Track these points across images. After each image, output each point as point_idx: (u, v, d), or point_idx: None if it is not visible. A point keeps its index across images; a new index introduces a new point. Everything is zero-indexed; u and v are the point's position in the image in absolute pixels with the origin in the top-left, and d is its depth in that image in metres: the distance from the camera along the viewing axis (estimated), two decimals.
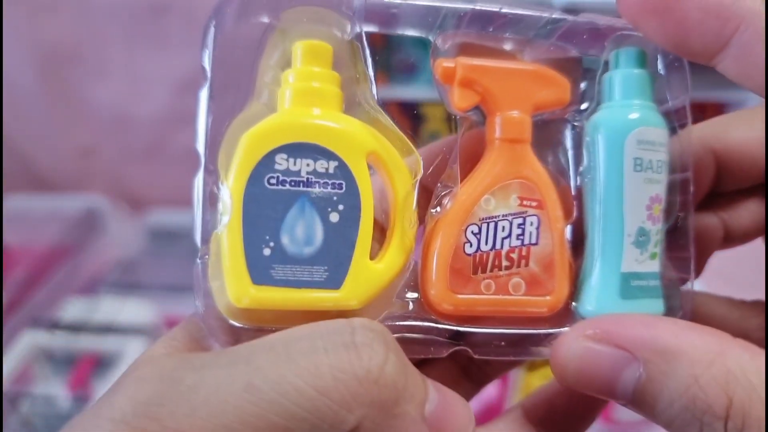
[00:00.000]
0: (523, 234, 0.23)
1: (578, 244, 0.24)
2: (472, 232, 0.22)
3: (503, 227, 0.22)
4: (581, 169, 0.24)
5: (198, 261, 0.21)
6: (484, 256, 0.22)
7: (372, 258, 0.22)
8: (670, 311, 0.24)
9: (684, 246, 0.24)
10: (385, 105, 0.23)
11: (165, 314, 0.80)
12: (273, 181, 0.21)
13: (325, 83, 0.22)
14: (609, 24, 0.24)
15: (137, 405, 0.17)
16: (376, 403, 0.17)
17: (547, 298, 0.23)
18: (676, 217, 0.24)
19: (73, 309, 0.84)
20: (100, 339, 0.78)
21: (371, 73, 0.23)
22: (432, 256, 0.22)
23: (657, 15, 0.20)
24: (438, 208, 0.23)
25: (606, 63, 0.24)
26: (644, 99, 0.23)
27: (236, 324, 0.21)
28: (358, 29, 0.23)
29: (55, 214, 1.01)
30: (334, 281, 0.21)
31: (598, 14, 0.23)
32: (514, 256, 0.22)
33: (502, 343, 0.23)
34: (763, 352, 0.17)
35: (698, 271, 0.26)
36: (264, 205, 0.20)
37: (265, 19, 0.22)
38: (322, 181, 0.21)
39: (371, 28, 0.23)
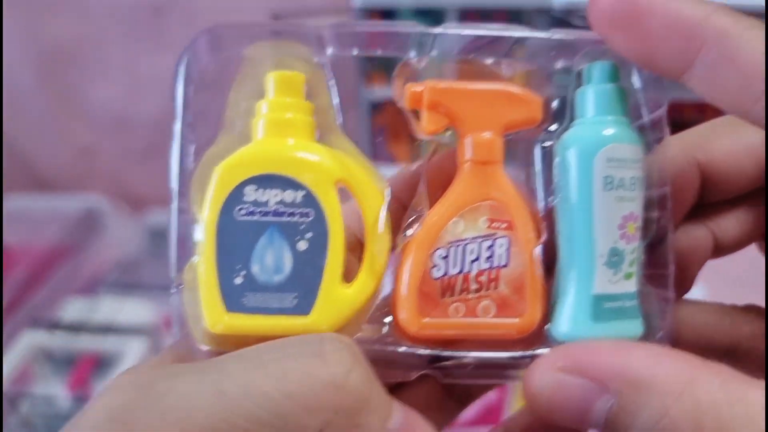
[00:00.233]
0: (492, 256, 0.22)
1: (553, 265, 0.24)
2: (440, 256, 0.22)
3: (472, 250, 0.22)
4: (553, 188, 0.24)
5: (173, 290, 0.22)
6: (453, 280, 0.22)
7: (350, 282, 0.22)
8: (649, 331, 0.24)
9: (666, 263, 0.24)
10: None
11: (165, 314, 0.80)
12: (243, 212, 0.22)
13: (298, 113, 0.23)
14: (580, 38, 0.23)
15: (110, 411, 0.18)
16: (340, 409, 0.18)
17: (517, 320, 0.23)
18: (654, 234, 0.24)
19: (73, 309, 0.84)
20: (100, 339, 0.78)
21: (336, 101, 0.24)
22: (401, 281, 0.23)
23: (624, 30, 0.20)
24: (408, 233, 0.23)
25: (579, 78, 0.24)
26: (617, 114, 0.23)
27: (211, 349, 0.22)
28: (322, 59, 0.24)
29: (55, 214, 1.01)
30: (304, 307, 0.21)
31: (570, 29, 0.23)
32: (483, 278, 0.22)
33: (473, 366, 0.23)
34: (736, 376, 0.17)
35: (688, 285, 0.26)
36: (235, 236, 0.21)
37: (236, 53, 0.23)
38: (289, 211, 0.22)
39: (341, 53, 0.24)
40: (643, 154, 0.23)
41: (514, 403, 0.67)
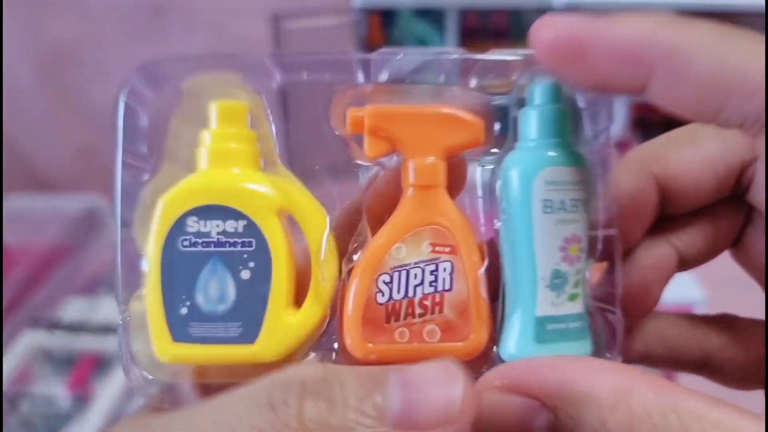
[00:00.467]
0: (436, 281, 0.22)
1: (500, 288, 0.24)
2: (383, 281, 0.22)
3: (415, 275, 0.22)
4: (497, 212, 0.24)
5: (119, 321, 0.22)
6: (397, 305, 0.22)
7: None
8: (598, 352, 0.24)
9: (614, 282, 0.24)
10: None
11: None
12: (186, 243, 0.22)
13: (241, 143, 0.23)
14: (519, 59, 0.23)
15: None
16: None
17: (462, 344, 0.23)
18: (601, 254, 0.24)
19: (73, 309, 0.84)
20: (100, 339, 0.78)
21: (273, 131, 0.24)
22: (346, 307, 0.23)
23: (571, 63, 0.19)
24: (355, 258, 0.23)
25: (521, 99, 0.24)
26: (559, 135, 0.23)
27: (158, 378, 0.22)
28: (260, 88, 0.24)
29: (55, 214, 1.01)
30: (249, 336, 0.22)
31: (509, 50, 0.23)
32: (428, 303, 0.22)
33: None
34: (670, 386, 0.17)
35: (652, 303, 0.26)
36: (179, 267, 0.22)
37: (176, 85, 0.24)
38: (231, 241, 0.22)
39: (282, 80, 0.24)
40: (585, 175, 0.23)
41: None
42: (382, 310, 0.22)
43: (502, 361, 0.23)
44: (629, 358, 0.26)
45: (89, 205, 1.01)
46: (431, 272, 0.23)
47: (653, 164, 0.25)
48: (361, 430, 0.17)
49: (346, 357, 0.23)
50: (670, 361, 0.27)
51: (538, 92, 0.23)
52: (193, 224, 0.22)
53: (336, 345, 0.23)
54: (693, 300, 0.72)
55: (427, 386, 0.18)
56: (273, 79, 0.24)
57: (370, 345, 0.22)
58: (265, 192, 0.22)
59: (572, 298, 0.23)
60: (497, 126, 0.24)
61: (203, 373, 0.23)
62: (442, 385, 0.18)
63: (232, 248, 0.22)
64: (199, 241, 0.22)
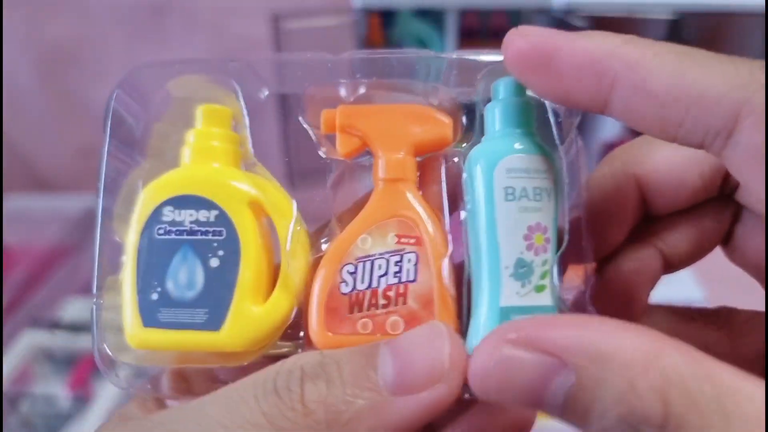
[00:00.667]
0: (400, 271, 0.23)
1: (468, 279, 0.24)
2: (348, 271, 0.23)
3: (380, 265, 0.23)
4: (463, 203, 0.24)
5: (93, 305, 0.23)
6: (360, 295, 0.22)
7: None
8: None
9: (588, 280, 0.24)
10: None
11: None
12: (161, 231, 0.23)
13: (224, 142, 0.24)
14: (483, 59, 0.24)
15: None
16: (318, 427, 0.18)
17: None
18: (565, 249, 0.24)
19: (73, 309, 0.84)
20: None
21: (248, 133, 0.25)
22: (311, 297, 0.23)
23: (538, 73, 0.20)
24: (323, 249, 0.24)
25: (487, 97, 0.24)
26: (523, 127, 0.23)
27: (127, 362, 0.23)
28: (238, 92, 0.25)
29: (55, 214, 1.01)
30: (214, 323, 0.22)
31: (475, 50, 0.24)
32: (392, 294, 0.22)
33: None
34: (703, 354, 0.16)
35: (638, 309, 0.25)
36: (153, 254, 0.23)
37: (159, 89, 0.25)
38: (203, 230, 0.23)
39: (262, 89, 0.25)
40: (549, 165, 0.23)
41: None
42: (345, 300, 0.23)
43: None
44: None
45: (89, 205, 1.01)
46: (396, 263, 0.23)
47: (634, 165, 0.25)
48: (361, 402, 0.18)
49: (309, 346, 0.23)
50: None
51: (503, 87, 0.24)
52: (168, 213, 0.23)
53: (302, 334, 0.23)
54: (693, 299, 0.72)
55: (415, 349, 0.19)
56: (257, 85, 0.25)
57: (330, 334, 0.22)
58: (238, 185, 0.23)
59: (539, 289, 0.22)
60: (465, 123, 0.25)
61: (172, 359, 0.23)
62: (428, 346, 0.19)
63: (203, 237, 0.23)
64: (173, 229, 0.23)
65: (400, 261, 0.23)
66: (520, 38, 0.20)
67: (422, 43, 0.82)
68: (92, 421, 0.68)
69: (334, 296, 0.23)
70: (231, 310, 0.22)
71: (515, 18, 0.81)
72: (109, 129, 0.24)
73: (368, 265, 0.23)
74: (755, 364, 0.25)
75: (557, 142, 0.24)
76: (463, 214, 0.23)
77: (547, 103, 0.24)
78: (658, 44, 0.19)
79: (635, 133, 0.24)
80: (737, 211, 0.26)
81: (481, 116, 0.24)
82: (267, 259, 0.23)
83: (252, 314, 0.22)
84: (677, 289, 0.75)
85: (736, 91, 0.17)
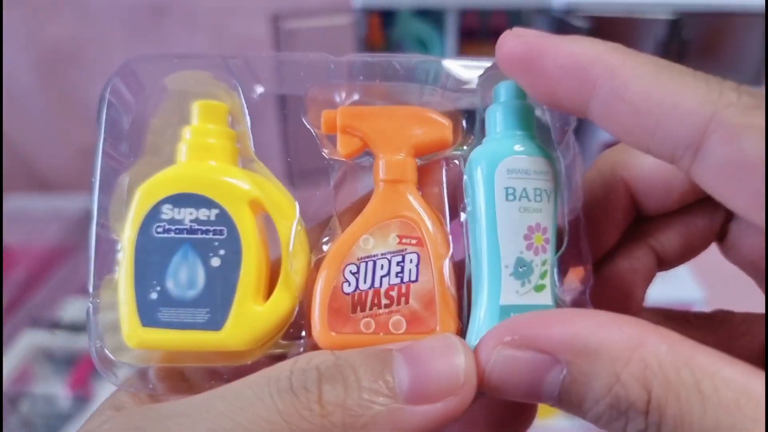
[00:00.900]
0: (402, 272, 0.23)
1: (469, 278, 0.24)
2: (350, 271, 0.23)
3: (382, 265, 0.23)
4: (463, 205, 0.24)
5: (89, 304, 0.22)
6: (363, 295, 0.23)
7: None
8: None
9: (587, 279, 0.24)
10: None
11: None
12: (160, 229, 0.22)
13: (220, 139, 0.24)
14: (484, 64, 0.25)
15: None
16: (334, 429, 0.18)
17: (428, 335, 0.23)
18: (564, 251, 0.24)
19: (73, 309, 0.85)
20: None
21: (249, 128, 0.25)
22: (313, 297, 0.23)
23: (526, 73, 0.21)
24: (325, 249, 0.24)
25: (487, 99, 0.25)
26: (523, 129, 0.23)
27: (125, 362, 0.23)
28: (238, 88, 0.24)
29: (55, 214, 1.01)
30: (216, 323, 0.22)
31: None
32: (394, 294, 0.23)
33: None
34: (685, 340, 0.18)
35: (635, 307, 0.26)
36: (152, 253, 0.22)
37: (154, 83, 0.24)
38: (203, 228, 0.22)
39: (259, 87, 0.25)
40: (549, 167, 0.23)
41: None
42: (348, 299, 0.23)
43: None
44: None
45: (89, 205, 1.01)
46: (398, 263, 0.23)
47: (622, 168, 0.25)
48: (377, 408, 0.18)
49: (311, 346, 0.23)
50: None
51: (503, 90, 0.24)
52: (167, 211, 0.22)
53: (303, 333, 0.23)
54: (692, 299, 0.72)
55: (431, 360, 0.19)
56: (254, 83, 0.25)
57: (334, 334, 0.22)
58: (238, 183, 0.23)
59: (539, 289, 0.22)
60: (465, 125, 0.25)
61: (171, 358, 0.23)
62: (444, 357, 0.19)
63: (203, 236, 0.22)
64: (173, 227, 0.22)
65: (402, 261, 0.23)
66: (513, 39, 0.21)
67: (422, 43, 0.82)
68: None
69: (337, 296, 0.23)
70: (233, 310, 0.22)
71: (515, 18, 0.81)
72: (104, 121, 0.24)
73: (370, 265, 0.23)
74: (754, 363, 0.26)
75: (556, 145, 0.24)
76: (463, 216, 0.24)
77: (545, 110, 0.25)
78: (641, 56, 0.19)
79: None
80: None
81: (482, 119, 0.25)
82: (266, 258, 0.23)
83: (254, 313, 0.22)
84: (677, 288, 0.74)
85: (706, 107, 0.18)
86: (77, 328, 0.80)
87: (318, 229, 0.25)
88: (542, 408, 0.26)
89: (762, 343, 0.25)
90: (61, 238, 0.97)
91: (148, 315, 0.22)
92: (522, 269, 0.22)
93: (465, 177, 0.24)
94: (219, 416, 0.18)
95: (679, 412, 0.16)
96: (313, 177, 0.26)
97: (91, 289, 0.23)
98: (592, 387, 0.18)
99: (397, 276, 0.23)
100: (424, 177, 0.25)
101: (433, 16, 0.80)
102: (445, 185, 0.25)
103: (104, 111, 0.24)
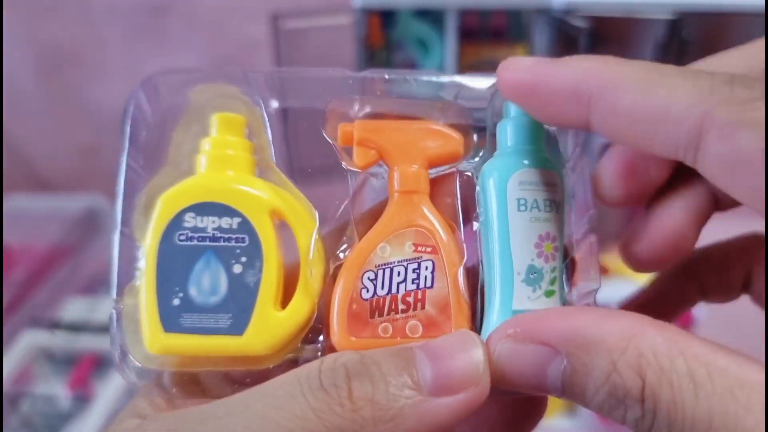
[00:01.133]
0: (418, 278, 0.24)
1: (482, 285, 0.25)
2: (368, 278, 0.24)
3: (399, 272, 0.24)
4: (476, 214, 0.25)
5: (113, 310, 0.23)
6: (381, 301, 0.24)
7: None
8: None
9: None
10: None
11: None
12: (182, 237, 0.23)
13: (239, 151, 0.24)
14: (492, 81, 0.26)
15: None
16: (365, 423, 0.19)
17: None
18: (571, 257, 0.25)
19: (73, 309, 0.85)
20: (101, 338, 0.78)
21: (270, 140, 0.26)
22: (332, 303, 0.24)
23: (528, 98, 0.22)
24: (342, 257, 0.25)
25: (498, 114, 0.26)
26: (533, 143, 0.25)
27: (150, 368, 0.23)
28: (259, 101, 0.25)
29: (55, 214, 1.01)
30: (238, 328, 0.22)
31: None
32: (410, 299, 0.24)
33: None
34: (681, 332, 0.18)
35: (689, 248, 0.25)
36: (174, 260, 0.23)
37: (176, 96, 0.25)
38: (226, 236, 0.23)
39: (274, 99, 0.26)
40: (558, 180, 0.24)
41: None
42: (366, 305, 0.24)
43: None
44: None
45: (89, 205, 1.02)
46: (414, 270, 0.24)
47: None
48: (403, 401, 0.19)
49: (330, 351, 0.24)
50: None
51: (513, 106, 0.25)
52: (190, 220, 0.23)
53: (321, 338, 0.24)
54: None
55: (451, 353, 0.20)
56: (267, 95, 0.26)
57: (354, 339, 0.23)
58: (260, 193, 0.24)
59: (549, 294, 0.24)
60: (476, 138, 0.26)
61: (192, 363, 0.23)
62: (463, 351, 0.20)
63: (226, 243, 0.23)
64: (195, 235, 0.23)
65: (418, 268, 0.24)
66: (508, 72, 0.22)
67: (422, 44, 0.83)
68: (93, 421, 0.69)
69: (356, 302, 0.24)
70: (254, 315, 0.22)
71: (515, 18, 0.81)
72: (128, 133, 0.24)
73: (387, 272, 0.24)
74: None
75: (563, 158, 0.26)
76: (475, 225, 0.25)
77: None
78: (630, 64, 0.20)
79: None
80: None
81: (492, 132, 0.26)
82: (283, 267, 0.24)
83: (275, 318, 0.23)
84: None
85: (696, 108, 0.18)
86: (77, 327, 0.80)
87: (332, 236, 0.25)
88: None
89: None
90: (61, 238, 0.97)
91: (170, 321, 0.22)
92: (533, 276, 0.23)
93: (477, 188, 0.25)
94: (255, 416, 0.19)
95: (672, 399, 0.17)
96: (315, 176, 0.26)
97: (114, 296, 0.23)
98: (592, 376, 0.18)
99: (413, 282, 0.24)
100: (437, 188, 0.26)
101: (433, 16, 0.80)
102: (458, 196, 0.26)
103: (128, 123, 0.24)
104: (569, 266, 0.25)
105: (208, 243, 0.23)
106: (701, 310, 0.75)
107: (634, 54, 0.77)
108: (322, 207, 0.25)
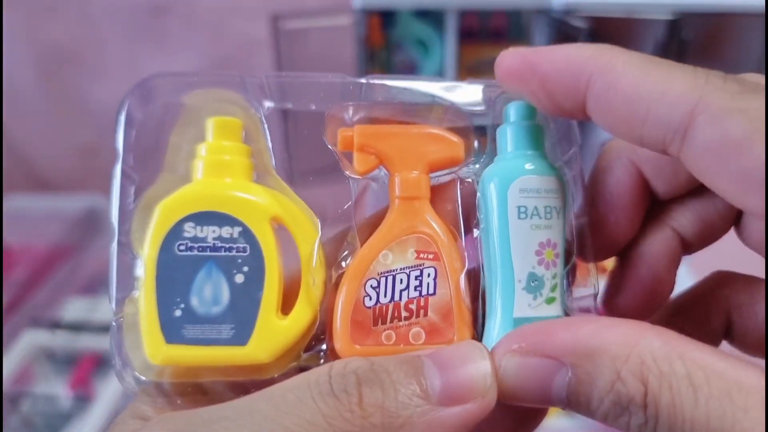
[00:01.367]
0: (420, 285, 0.24)
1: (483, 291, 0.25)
2: (371, 286, 0.24)
3: (401, 280, 0.24)
4: (476, 221, 0.25)
5: (113, 323, 0.23)
6: (384, 308, 0.24)
7: None
8: None
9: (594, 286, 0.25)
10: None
11: None
12: (182, 247, 0.23)
13: (236, 155, 0.24)
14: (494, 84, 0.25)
15: None
16: (374, 430, 0.19)
17: (446, 345, 0.23)
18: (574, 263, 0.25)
19: (73, 308, 0.85)
20: (101, 338, 0.78)
21: (270, 145, 0.25)
22: (335, 311, 0.24)
23: (525, 82, 0.22)
24: (343, 265, 0.25)
25: (498, 118, 0.26)
26: (533, 149, 0.24)
27: (151, 380, 0.23)
28: (257, 106, 0.25)
29: (55, 214, 1.01)
30: (241, 338, 0.22)
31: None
32: (413, 306, 0.24)
33: None
34: (679, 336, 0.19)
35: (669, 290, 0.26)
36: (175, 270, 0.22)
37: (172, 100, 0.25)
38: (227, 246, 0.23)
39: (272, 104, 0.26)
40: (559, 185, 0.24)
41: None
42: (369, 313, 0.23)
43: None
44: None
45: (89, 205, 1.02)
46: (416, 277, 0.24)
47: (629, 152, 0.25)
48: (412, 409, 0.19)
49: (333, 358, 0.24)
50: None
51: (513, 110, 0.25)
52: (189, 229, 0.23)
53: (324, 346, 0.24)
54: None
55: (459, 363, 0.20)
56: (265, 101, 0.25)
57: (358, 347, 0.23)
58: (260, 201, 0.23)
59: (549, 301, 0.24)
60: (476, 143, 0.26)
61: (194, 374, 0.23)
62: (471, 362, 0.20)
63: (227, 253, 0.23)
64: (196, 245, 0.22)
65: (420, 275, 0.24)
66: (509, 55, 0.22)
67: (422, 44, 0.83)
68: (93, 421, 0.69)
69: (359, 310, 0.23)
70: (257, 324, 0.22)
71: (515, 18, 0.81)
72: (122, 140, 0.24)
73: (390, 279, 0.24)
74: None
75: (562, 161, 0.26)
76: (476, 232, 0.25)
77: (552, 125, 0.26)
78: (630, 52, 0.21)
79: None
80: None
81: (493, 137, 0.26)
82: (283, 274, 0.24)
83: (278, 327, 0.23)
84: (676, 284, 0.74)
85: (692, 92, 0.19)
86: (78, 327, 0.80)
87: (333, 242, 0.25)
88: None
89: None
90: (61, 238, 0.97)
91: (172, 332, 0.22)
92: (534, 283, 0.23)
93: (478, 195, 0.25)
94: (264, 419, 0.19)
95: (672, 402, 0.17)
96: (316, 183, 0.26)
97: (114, 307, 0.23)
98: (597, 386, 0.19)
99: (415, 289, 0.24)
100: (438, 194, 0.25)
101: (433, 17, 0.80)
102: (459, 202, 0.26)
103: (121, 129, 0.24)
104: (571, 271, 0.25)
105: (208, 253, 0.22)
106: None
107: None
108: (322, 210, 0.25)
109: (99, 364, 0.77)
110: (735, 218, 0.26)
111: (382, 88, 0.26)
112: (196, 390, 0.24)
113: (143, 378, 0.23)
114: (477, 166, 0.26)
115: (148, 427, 0.20)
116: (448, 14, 0.78)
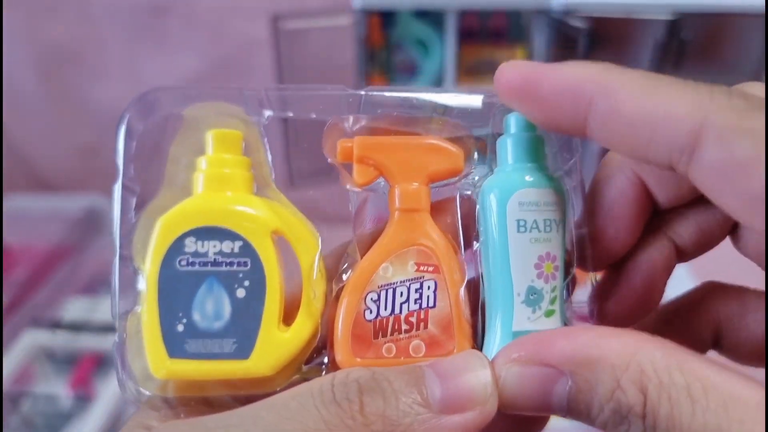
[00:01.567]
0: (420, 298, 0.24)
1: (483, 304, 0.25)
2: (371, 299, 0.24)
3: (401, 292, 0.24)
4: (476, 233, 0.25)
5: (115, 338, 0.23)
6: (384, 321, 0.24)
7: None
8: None
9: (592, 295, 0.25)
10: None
11: None
12: (183, 262, 0.23)
13: (236, 168, 0.24)
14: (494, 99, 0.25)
15: None
16: None
17: (446, 357, 0.24)
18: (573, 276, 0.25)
19: (74, 308, 0.85)
20: (102, 338, 0.78)
21: (269, 158, 0.25)
22: (336, 324, 0.24)
23: (525, 100, 0.22)
24: (344, 278, 0.25)
25: (497, 130, 0.26)
26: (533, 161, 0.24)
27: (155, 394, 0.23)
28: (256, 119, 0.25)
29: (55, 214, 1.01)
30: (243, 352, 0.22)
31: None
32: (413, 319, 0.24)
33: None
34: (679, 347, 0.19)
35: (657, 298, 0.26)
36: (176, 285, 0.23)
37: (172, 113, 0.25)
38: (228, 261, 0.23)
39: (271, 113, 0.26)
40: (559, 197, 0.24)
41: None
42: (370, 326, 0.23)
43: None
44: None
45: (89, 205, 1.02)
46: (416, 290, 0.24)
47: (632, 161, 0.25)
48: (413, 417, 0.19)
49: (335, 371, 0.24)
50: None
51: (513, 122, 0.25)
52: (190, 244, 0.23)
53: (326, 359, 0.24)
54: None
55: (460, 372, 0.21)
56: (264, 111, 0.25)
57: (359, 360, 0.23)
58: (260, 215, 0.23)
59: (549, 314, 0.24)
60: (476, 154, 0.26)
61: (197, 387, 0.23)
62: (471, 371, 0.21)
63: (228, 268, 0.23)
64: (197, 260, 0.23)
65: (420, 288, 0.24)
66: (510, 70, 0.22)
67: (422, 44, 0.83)
68: (93, 421, 0.69)
69: (360, 323, 0.24)
70: (259, 338, 0.22)
71: (515, 19, 0.81)
72: (122, 153, 0.24)
73: (390, 292, 0.24)
74: None
75: (563, 171, 0.26)
76: (476, 244, 0.25)
77: (553, 135, 0.25)
78: (631, 71, 0.20)
79: None
80: None
81: (493, 148, 0.26)
82: (284, 287, 0.24)
83: (279, 340, 0.23)
84: (675, 286, 0.74)
85: (697, 112, 0.19)
86: (78, 327, 0.80)
87: (333, 255, 0.25)
88: None
89: None
90: (61, 238, 0.97)
91: (174, 346, 0.22)
92: (533, 297, 0.23)
93: (478, 207, 0.25)
94: (267, 427, 0.19)
95: (671, 413, 0.17)
96: (313, 178, 0.26)
97: (116, 322, 0.23)
98: (597, 394, 0.19)
99: (416, 302, 0.24)
100: (438, 206, 0.25)
101: (433, 17, 0.80)
102: (459, 215, 0.26)
103: (121, 142, 0.24)
104: (570, 283, 0.25)
105: (210, 268, 0.23)
106: None
107: (634, 54, 0.78)
108: (321, 213, 0.25)
109: (99, 364, 0.77)
110: (732, 227, 0.26)
111: (382, 99, 0.25)
112: (200, 401, 0.24)
113: (147, 392, 0.23)
114: (477, 178, 0.26)
115: None
116: (448, 14, 0.78)
